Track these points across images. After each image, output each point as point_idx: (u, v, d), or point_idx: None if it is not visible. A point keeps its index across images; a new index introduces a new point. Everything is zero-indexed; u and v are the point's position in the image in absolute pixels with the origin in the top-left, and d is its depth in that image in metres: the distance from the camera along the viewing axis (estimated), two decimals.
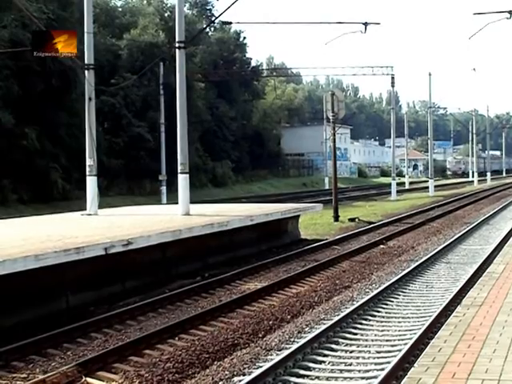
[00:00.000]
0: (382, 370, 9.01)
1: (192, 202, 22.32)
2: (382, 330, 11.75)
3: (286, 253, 20.50)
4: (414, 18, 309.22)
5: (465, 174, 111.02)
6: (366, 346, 10.75)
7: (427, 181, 62.09)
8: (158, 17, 64.47)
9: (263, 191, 68.61)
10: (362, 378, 9.14)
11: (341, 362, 9.91)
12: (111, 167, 49.74)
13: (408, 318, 12.69)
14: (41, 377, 9.21)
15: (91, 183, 22.05)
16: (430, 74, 58.82)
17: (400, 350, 9.79)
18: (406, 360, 9.26)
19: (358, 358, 10.14)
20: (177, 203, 21.81)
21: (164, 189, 47.05)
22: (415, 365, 7.10)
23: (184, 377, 9.40)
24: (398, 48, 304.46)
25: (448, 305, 12.43)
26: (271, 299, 14.49)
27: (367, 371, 9.43)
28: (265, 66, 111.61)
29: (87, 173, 22.23)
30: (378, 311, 13.13)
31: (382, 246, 22.50)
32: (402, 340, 10.79)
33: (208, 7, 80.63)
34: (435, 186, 59.77)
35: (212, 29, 79.06)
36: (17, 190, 41.86)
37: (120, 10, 67.50)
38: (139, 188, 54.27)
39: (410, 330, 11.44)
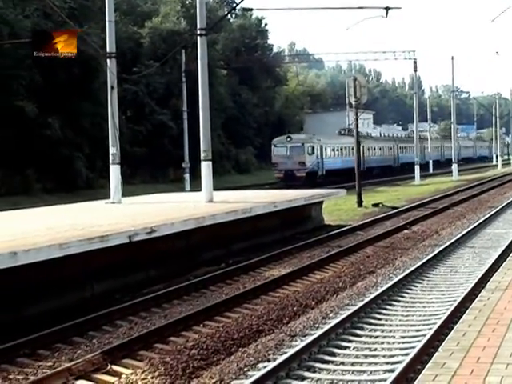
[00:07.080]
0: (407, 355, 9.00)
1: (215, 188, 22.32)
2: (407, 315, 11.72)
3: (309, 239, 20.47)
4: (435, 1, 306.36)
5: (319, 177, 52.77)
6: (390, 332, 10.73)
7: None
8: (179, 4, 64.40)
9: None
10: (387, 363, 9.12)
11: (365, 348, 9.90)
12: (134, 155, 49.91)
13: (432, 302, 12.64)
14: (66, 365, 9.27)
15: (114, 171, 22.11)
16: (452, 58, 58.55)
17: (425, 335, 9.77)
18: (431, 345, 9.24)
19: (382, 343, 10.13)
20: (200, 190, 21.85)
21: (187, 176, 47.21)
22: (440, 349, 7.09)
23: (209, 363, 9.43)
24: (420, 32, 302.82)
25: (472, 289, 12.37)
26: (295, 285, 14.49)
27: (392, 356, 9.41)
28: (287, 53, 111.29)
29: (110, 161, 22.27)
30: (403, 296, 13.09)
31: (405, 231, 22.41)
32: (427, 325, 10.76)
33: None
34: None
35: (233, 15, 79.16)
36: (41, 180, 42.15)
37: None
38: (162, 176, 54.35)
39: (435, 315, 11.39)
